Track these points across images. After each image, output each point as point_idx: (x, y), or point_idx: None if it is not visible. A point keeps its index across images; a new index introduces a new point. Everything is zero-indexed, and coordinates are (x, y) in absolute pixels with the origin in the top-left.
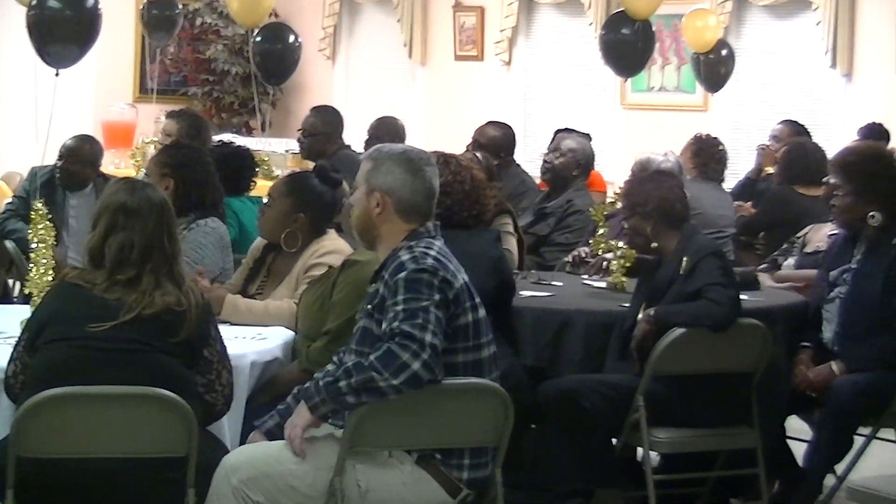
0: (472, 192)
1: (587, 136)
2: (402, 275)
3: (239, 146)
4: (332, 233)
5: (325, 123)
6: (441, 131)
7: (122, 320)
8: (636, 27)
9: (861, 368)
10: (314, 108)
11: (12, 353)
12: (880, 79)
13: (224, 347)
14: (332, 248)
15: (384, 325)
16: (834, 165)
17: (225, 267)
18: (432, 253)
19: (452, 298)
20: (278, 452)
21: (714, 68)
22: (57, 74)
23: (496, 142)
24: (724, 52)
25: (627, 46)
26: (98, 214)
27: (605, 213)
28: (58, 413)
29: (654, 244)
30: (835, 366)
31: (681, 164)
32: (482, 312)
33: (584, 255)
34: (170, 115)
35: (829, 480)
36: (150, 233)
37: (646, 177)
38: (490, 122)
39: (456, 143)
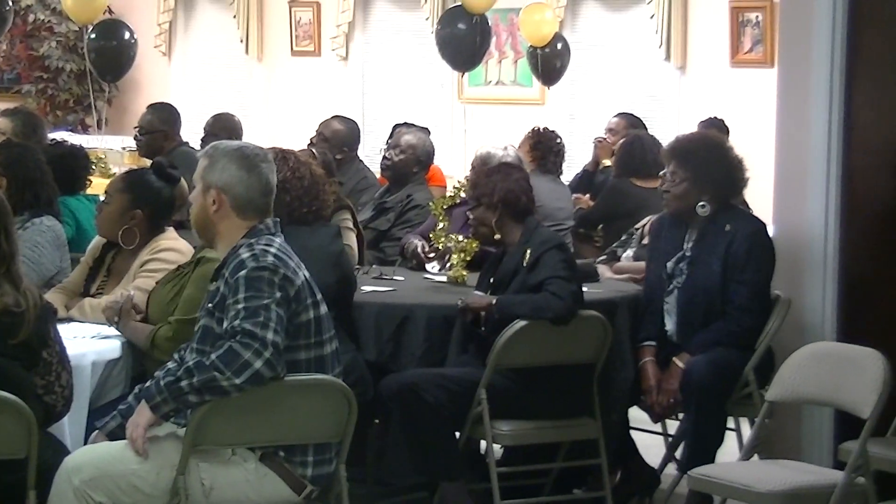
0: (312, 187)
1: (426, 131)
2: (243, 273)
3: (73, 145)
4: (170, 230)
5: (162, 121)
6: (279, 127)
7: None
8: (473, 21)
9: (703, 352)
10: (151, 105)
11: None
12: (714, 71)
13: (64, 348)
14: (170, 245)
15: (225, 324)
16: (671, 152)
17: (62, 266)
18: (272, 250)
19: (293, 296)
20: (120, 452)
21: (550, 62)
22: None
23: (340, 136)
24: (559, 45)
25: (463, 41)
26: None
27: (445, 206)
28: None
29: (498, 236)
30: (678, 361)
31: (520, 157)
32: (324, 309)
33: (419, 248)
34: (3, 113)
35: (672, 469)
36: None
37: (492, 168)
38: (336, 116)
39: (294, 139)
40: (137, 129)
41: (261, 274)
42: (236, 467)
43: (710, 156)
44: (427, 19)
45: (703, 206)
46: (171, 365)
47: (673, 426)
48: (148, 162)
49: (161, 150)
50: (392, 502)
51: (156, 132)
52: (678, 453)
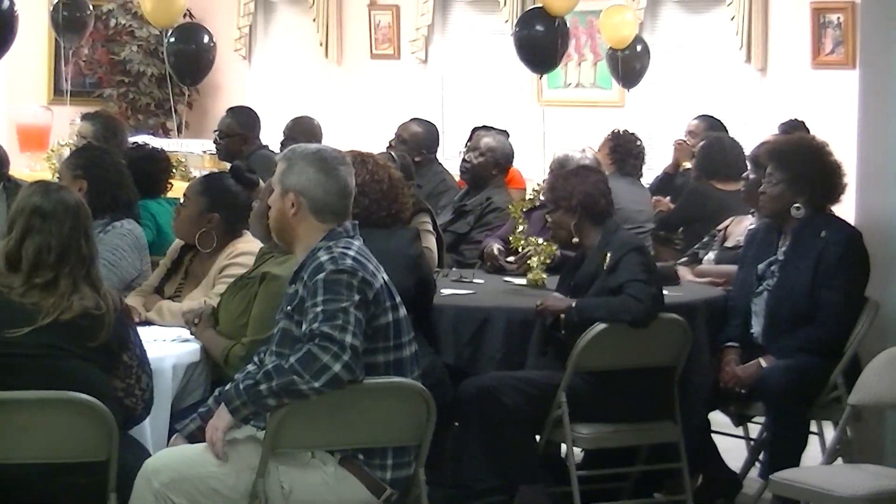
0: (390, 191)
1: (505, 133)
2: (321, 276)
3: (153, 148)
4: (248, 234)
5: (242, 124)
6: (358, 131)
7: (39, 325)
8: (552, 24)
9: (787, 357)
10: (230, 108)
11: None
12: (794, 73)
13: (143, 351)
14: (248, 249)
15: (304, 327)
16: (769, 153)
17: (142, 269)
18: (351, 253)
19: (372, 299)
20: (199, 455)
21: (630, 64)
22: None
23: (418, 138)
24: (639, 47)
25: (541, 43)
26: (13, 218)
27: (524, 209)
28: None
29: (577, 239)
30: (763, 361)
31: (598, 160)
32: (403, 312)
33: (497, 251)
34: (84, 117)
35: (754, 473)
36: (66, 235)
37: (570, 171)
38: (414, 119)
39: (373, 142)
40: (217, 133)
41: (339, 277)
42: (315, 470)
43: (808, 159)
44: (506, 21)
45: (797, 208)
46: (250, 368)
47: (755, 430)
48: (227, 165)
49: (240, 153)
50: None
51: (235, 136)
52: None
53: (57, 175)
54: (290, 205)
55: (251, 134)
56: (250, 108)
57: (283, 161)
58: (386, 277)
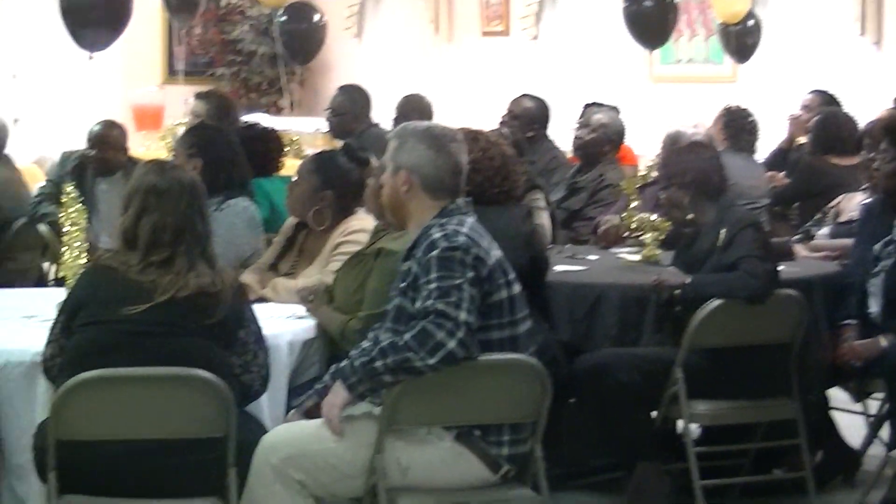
0: (502, 168)
1: (616, 110)
2: (435, 253)
3: (265, 127)
4: (361, 211)
5: (353, 102)
6: (469, 108)
7: (156, 302)
8: None
9: None
10: (341, 87)
11: (49, 336)
12: None
13: (259, 328)
14: (361, 226)
15: (418, 304)
16: (884, 129)
17: (256, 247)
18: (464, 230)
19: (486, 276)
20: (316, 431)
21: (742, 39)
22: (91, 58)
23: (530, 113)
24: (751, 22)
25: (652, 18)
26: (129, 197)
27: (637, 186)
28: (94, 396)
29: (691, 216)
30: (883, 339)
31: (711, 136)
32: (517, 288)
33: (611, 227)
34: (197, 96)
35: (874, 450)
36: (181, 213)
37: (683, 148)
38: (525, 94)
39: (484, 119)
40: (328, 111)
41: (452, 254)
42: (432, 446)
43: None
44: None
45: None
46: (365, 345)
47: (874, 406)
48: (339, 143)
49: (351, 131)
50: (588, 482)
51: (346, 114)
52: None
53: (172, 154)
54: (401, 182)
55: (362, 112)
56: (361, 87)
57: (395, 139)
58: (500, 254)
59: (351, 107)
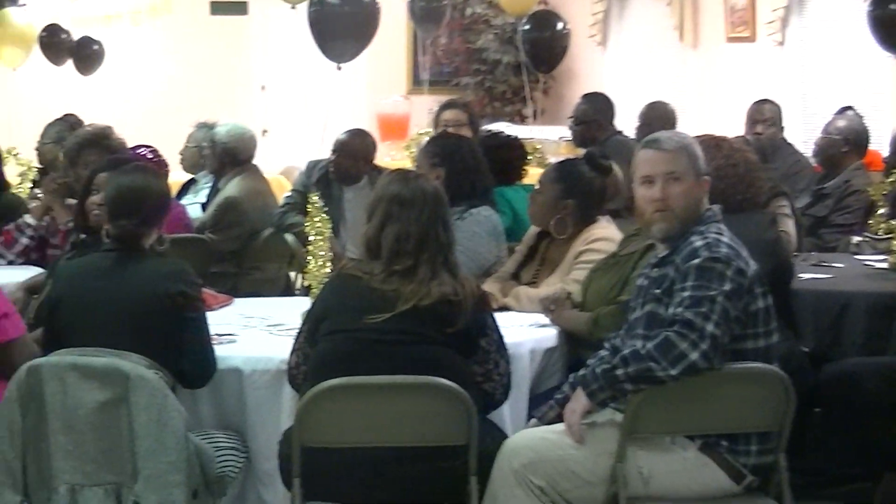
0: (745, 175)
1: (857, 115)
2: (695, 262)
3: (508, 135)
4: (602, 220)
5: (596, 110)
6: (714, 115)
7: (398, 311)
8: None
9: None
10: (585, 95)
11: (294, 345)
12: None
13: (501, 336)
14: (604, 234)
15: (670, 310)
16: None
17: (499, 255)
18: (725, 240)
19: (747, 287)
20: (558, 437)
21: None
22: (339, 68)
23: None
24: None
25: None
26: (373, 206)
27: (884, 192)
28: (338, 403)
29: None
30: None
31: None
32: (771, 299)
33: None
34: (443, 105)
35: None
36: (424, 223)
37: None
38: (764, 100)
39: (729, 126)
40: (572, 119)
41: (713, 266)
42: (674, 455)
43: None
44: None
45: None
46: (603, 353)
47: None
48: (583, 152)
49: (595, 139)
50: (833, 492)
51: (589, 122)
52: None
53: (415, 164)
54: (705, 190)
55: (606, 120)
56: (604, 95)
57: (696, 146)
58: (755, 264)
59: (595, 115)
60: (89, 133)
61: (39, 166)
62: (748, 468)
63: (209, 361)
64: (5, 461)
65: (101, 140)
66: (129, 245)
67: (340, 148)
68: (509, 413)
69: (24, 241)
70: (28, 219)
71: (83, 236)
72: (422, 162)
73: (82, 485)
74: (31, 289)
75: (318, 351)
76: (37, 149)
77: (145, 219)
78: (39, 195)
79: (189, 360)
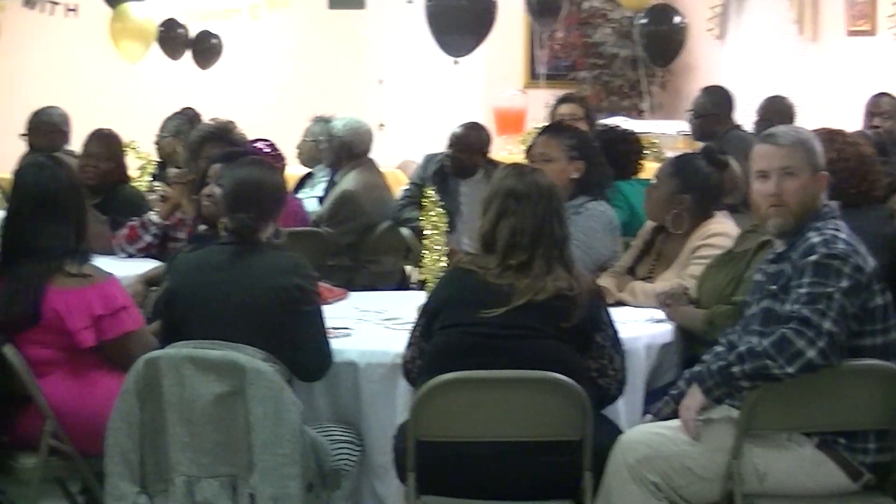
0: (858, 169)
1: None
2: (813, 258)
3: (624, 129)
4: (719, 215)
5: (715, 104)
6: (833, 109)
7: (513, 306)
8: None
9: None
10: (704, 88)
11: (409, 339)
12: None
13: (616, 332)
14: (720, 230)
15: (786, 306)
16: None
17: (615, 250)
18: (842, 236)
19: (865, 283)
20: (672, 433)
21: None
22: (456, 63)
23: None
24: None
25: None
26: (488, 200)
27: None
28: (453, 397)
29: None
30: None
31: None
32: (890, 295)
33: None
34: (561, 99)
35: None
36: (540, 217)
37: None
38: (884, 93)
39: (848, 120)
40: (690, 113)
41: (830, 262)
42: (791, 453)
43: None
44: None
45: None
46: (719, 349)
47: None
48: (700, 146)
49: (713, 133)
50: None
51: (708, 115)
52: None
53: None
54: (823, 185)
55: (724, 114)
56: (723, 88)
57: (814, 141)
58: (874, 260)
59: (713, 108)
60: (212, 127)
61: (158, 160)
62: (866, 466)
63: (325, 354)
64: (123, 453)
65: (224, 134)
66: (245, 238)
67: (456, 142)
68: (624, 408)
69: (148, 238)
70: (153, 216)
71: (203, 227)
72: (555, 154)
73: (199, 476)
74: (149, 281)
75: (433, 345)
76: (156, 142)
77: (262, 212)
78: (157, 188)
79: (305, 354)
